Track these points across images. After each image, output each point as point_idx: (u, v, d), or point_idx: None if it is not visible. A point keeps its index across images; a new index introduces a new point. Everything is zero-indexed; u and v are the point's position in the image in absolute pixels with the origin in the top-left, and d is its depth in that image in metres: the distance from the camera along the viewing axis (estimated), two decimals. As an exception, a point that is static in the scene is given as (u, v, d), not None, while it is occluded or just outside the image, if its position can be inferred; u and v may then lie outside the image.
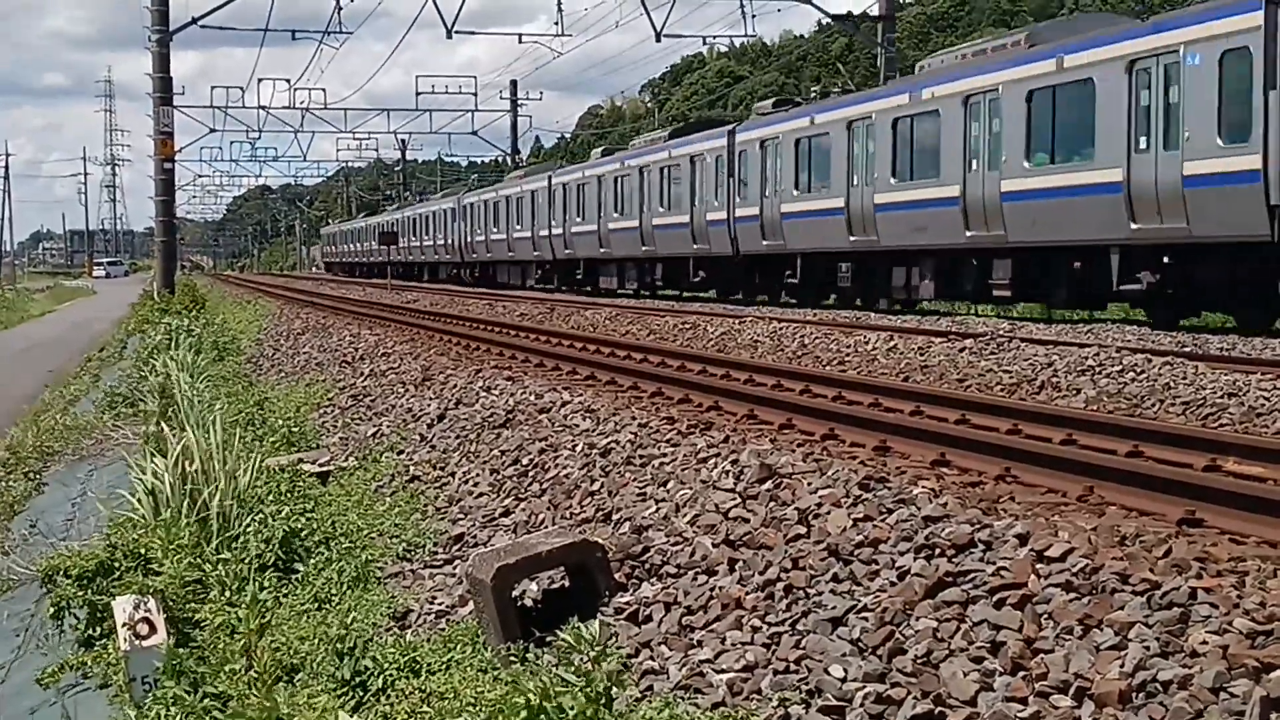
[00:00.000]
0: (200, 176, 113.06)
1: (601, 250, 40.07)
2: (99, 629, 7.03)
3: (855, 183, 26.01)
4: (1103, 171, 19.19)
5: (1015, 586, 4.74)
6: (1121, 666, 4.11)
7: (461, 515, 8.17)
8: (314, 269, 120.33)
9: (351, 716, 5.00)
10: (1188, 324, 20.23)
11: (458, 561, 7.22)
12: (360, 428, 12.09)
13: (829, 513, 5.85)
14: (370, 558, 7.56)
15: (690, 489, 6.83)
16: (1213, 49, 17.26)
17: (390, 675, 5.50)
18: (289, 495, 8.71)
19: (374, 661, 5.59)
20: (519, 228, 48.09)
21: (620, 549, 6.27)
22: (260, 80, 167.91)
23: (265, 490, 8.59)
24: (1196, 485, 6.40)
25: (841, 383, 11.88)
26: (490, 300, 35.37)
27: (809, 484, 6.29)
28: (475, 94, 63.40)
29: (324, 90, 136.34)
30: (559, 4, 44.86)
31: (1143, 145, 18.50)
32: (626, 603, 5.78)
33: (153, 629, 6.17)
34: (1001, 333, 16.05)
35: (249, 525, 7.88)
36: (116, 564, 7.40)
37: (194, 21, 37.33)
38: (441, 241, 60.80)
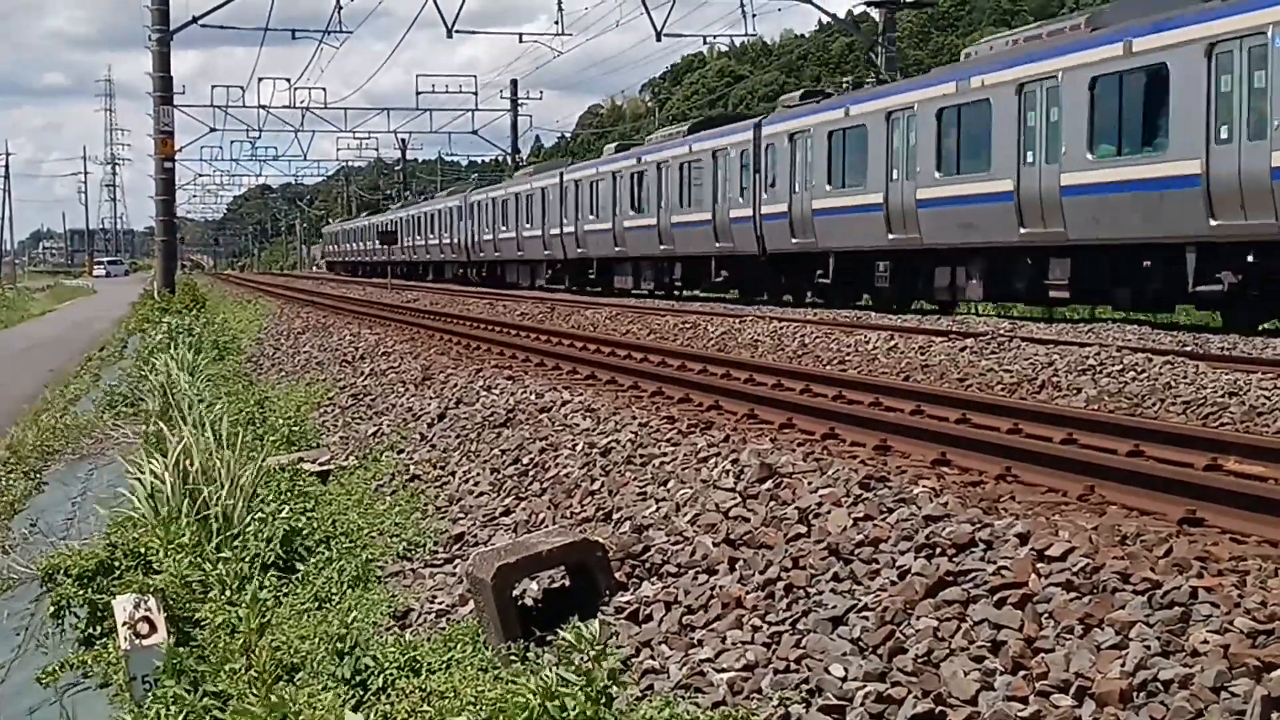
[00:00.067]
0: (200, 176, 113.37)
1: (616, 249, 38.78)
2: (99, 628, 7.03)
3: (895, 177, 24.51)
4: (1178, 164, 17.74)
5: (1016, 586, 4.74)
6: (1122, 666, 4.11)
7: (462, 514, 8.17)
8: (314, 268, 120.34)
9: (357, 715, 5.00)
10: (1188, 322, 20.24)
11: (458, 561, 7.22)
12: (360, 427, 12.09)
13: (829, 512, 5.85)
14: (370, 557, 7.56)
15: (690, 488, 6.83)
16: None
17: (390, 674, 5.50)
18: (289, 494, 8.71)
19: (374, 660, 5.58)
20: (529, 226, 46.91)
21: (620, 548, 6.27)
22: (260, 79, 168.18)
23: (265, 489, 8.59)
24: (1197, 485, 6.40)
25: (842, 382, 11.87)
26: (491, 300, 35.36)
27: (809, 483, 6.29)
28: (475, 93, 63.59)
29: (324, 90, 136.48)
30: (559, 3, 45.01)
31: (1224, 135, 17.15)
32: (627, 602, 5.78)
33: (153, 628, 6.17)
34: (1002, 332, 16.04)
35: (249, 524, 7.88)
36: (116, 563, 7.40)
37: (194, 21, 37.36)
38: (448, 240, 59.64)
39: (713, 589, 5.59)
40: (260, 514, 8.00)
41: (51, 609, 7.26)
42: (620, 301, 32.13)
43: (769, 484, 6.47)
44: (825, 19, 59.71)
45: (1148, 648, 4.15)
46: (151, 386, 13.76)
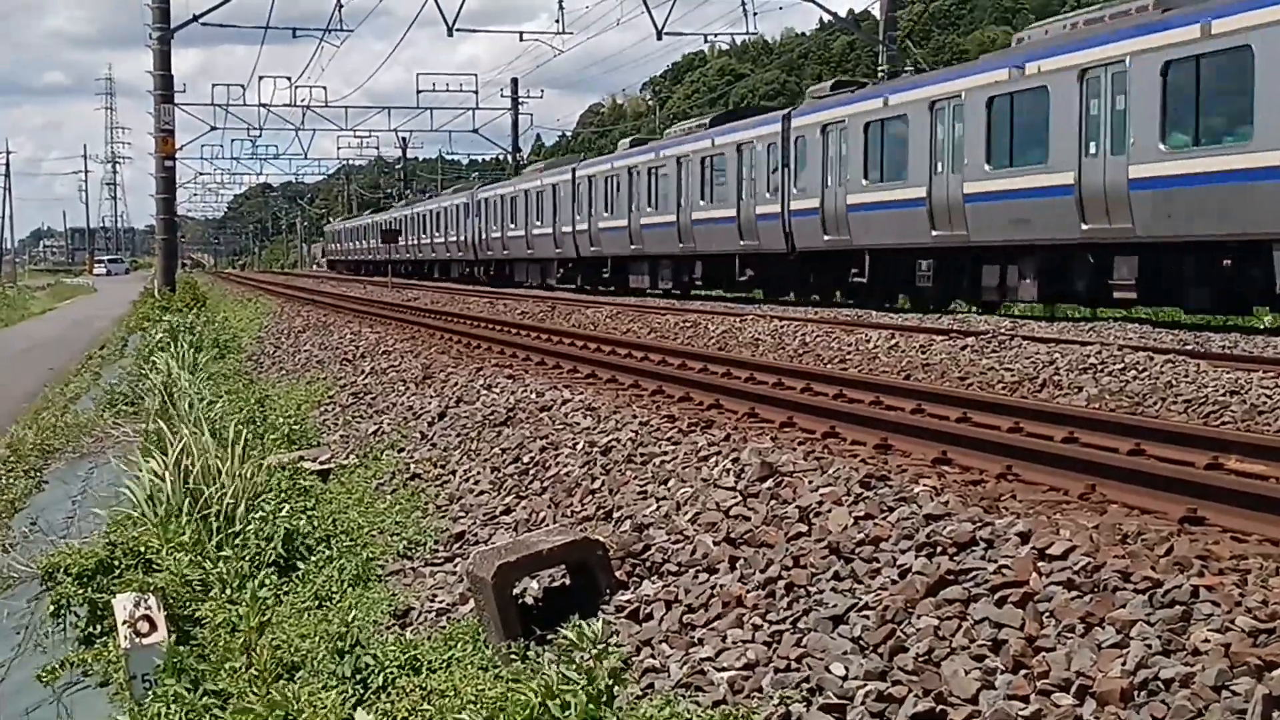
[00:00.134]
0: (201, 174, 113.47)
1: (633, 247, 37.20)
2: (99, 627, 7.04)
3: (939, 170, 23.04)
4: (1266, 154, 16.48)
5: (1017, 585, 4.73)
6: (1123, 665, 4.10)
7: (462, 513, 8.16)
8: (314, 267, 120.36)
9: (369, 715, 5.00)
10: (1189, 321, 20.20)
11: (458, 559, 7.21)
12: (361, 425, 12.08)
13: (830, 511, 5.85)
14: (371, 556, 7.56)
15: (691, 487, 6.83)
16: None
17: (391, 673, 5.50)
18: (290, 493, 8.71)
19: (375, 659, 5.58)
20: (539, 224, 45.39)
21: (621, 547, 6.26)
22: (261, 78, 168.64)
23: (266, 488, 8.59)
24: (1198, 483, 6.39)
25: (842, 381, 11.87)
26: (491, 298, 35.35)
27: (810, 482, 6.29)
28: (476, 92, 63.52)
29: (325, 88, 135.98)
30: (560, 2, 44.93)
31: None
32: (627, 601, 5.78)
33: (153, 626, 6.18)
34: (1003, 331, 16.04)
35: (249, 523, 7.89)
36: (116, 562, 7.41)
37: (195, 19, 37.36)
38: (454, 239, 58.23)
39: (713, 588, 5.59)
40: (260, 513, 8.00)
41: (51, 608, 7.27)
42: (621, 301, 32.09)
43: (769, 483, 6.47)
44: (826, 17, 59.74)
45: (1149, 646, 4.15)
46: (152, 385, 13.76)
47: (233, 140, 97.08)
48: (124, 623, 6.23)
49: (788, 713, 4.47)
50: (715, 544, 5.98)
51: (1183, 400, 10.21)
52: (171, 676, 5.76)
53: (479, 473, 8.93)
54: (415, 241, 66.12)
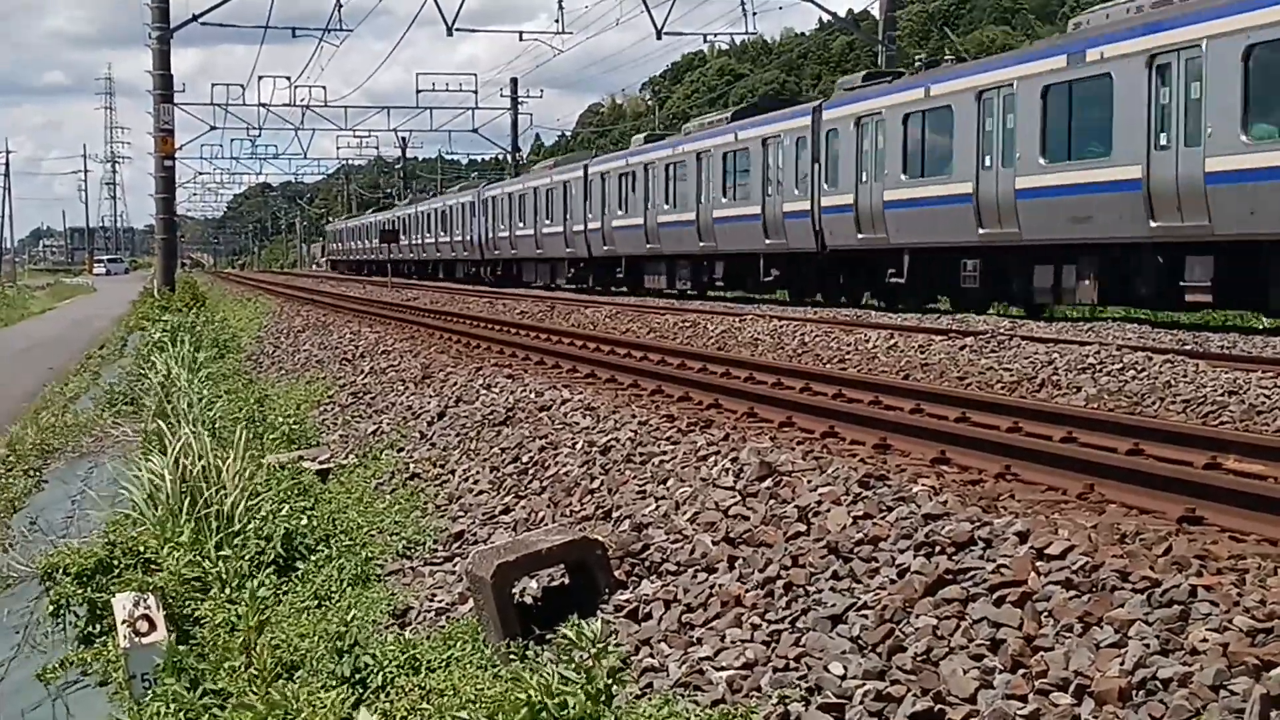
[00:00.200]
0: (201, 174, 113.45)
1: (648, 246, 35.75)
2: (98, 626, 7.04)
3: (988, 165, 21.57)
4: None
5: (1015, 584, 4.74)
6: (1122, 664, 4.11)
7: (461, 513, 8.17)
8: (314, 266, 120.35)
9: (372, 714, 5.00)
10: (1188, 321, 20.19)
11: (458, 559, 7.22)
12: (360, 425, 12.09)
13: (829, 510, 5.85)
14: (370, 555, 7.57)
15: (690, 487, 6.83)
16: None
17: (390, 672, 5.51)
18: (289, 493, 8.72)
19: (374, 659, 5.59)
20: (549, 222, 44.03)
21: (620, 546, 6.27)
22: (261, 78, 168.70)
23: (265, 488, 8.60)
24: (1197, 483, 6.40)
25: (841, 381, 11.87)
26: (491, 298, 35.34)
27: (809, 482, 6.29)
28: (476, 92, 63.59)
29: (324, 88, 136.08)
30: (559, 2, 44.92)
31: None
32: (626, 600, 5.78)
33: (152, 626, 6.18)
34: (1002, 331, 16.04)
35: (249, 522, 7.89)
36: (116, 561, 7.41)
37: (194, 19, 37.38)
38: (459, 238, 56.73)
39: (712, 587, 5.59)
40: (260, 512, 8.00)
41: (51, 607, 7.27)
42: (620, 300, 32.06)
43: (768, 482, 6.47)
44: (826, 17, 59.78)
45: (1147, 646, 4.15)
46: (151, 385, 13.76)
47: (232, 140, 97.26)
48: (123, 622, 6.24)
49: (786, 712, 4.48)
50: (714, 543, 5.98)
51: (1181, 400, 10.22)
52: (171, 676, 5.77)
53: (478, 472, 8.94)
54: (419, 241, 65.11)
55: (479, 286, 47.24)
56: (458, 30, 50.68)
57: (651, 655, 5.22)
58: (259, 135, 69.85)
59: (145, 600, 6.39)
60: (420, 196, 77.92)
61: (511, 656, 5.44)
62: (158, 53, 34.70)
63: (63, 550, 7.70)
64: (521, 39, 52.88)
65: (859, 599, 5.03)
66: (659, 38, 39.68)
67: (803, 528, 5.80)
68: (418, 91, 63.25)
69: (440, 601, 6.62)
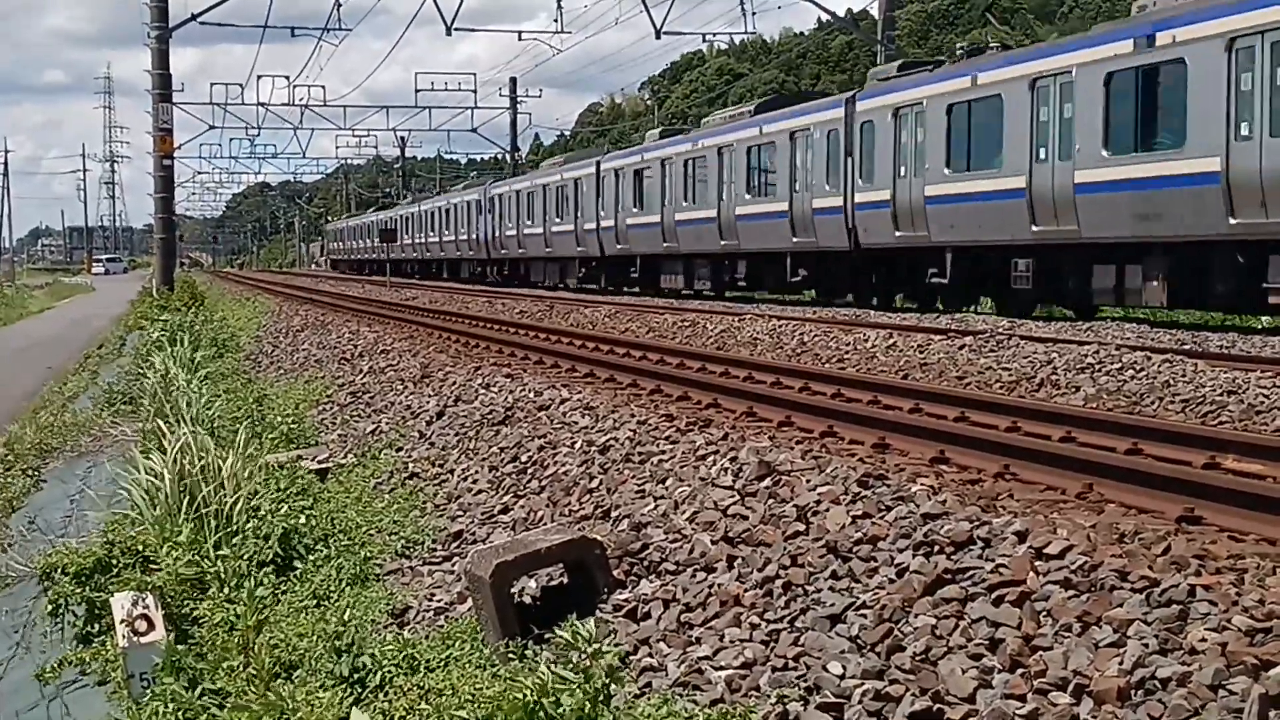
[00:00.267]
0: (199, 173, 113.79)
1: (665, 245, 34.38)
2: (97, 626, 7.04)
3: (1043, 157, 20.25)
4: None
5: (1014, 584, 4.74)
6: (1120, 664, 4.11)
7: (460, 512, 8.17)
8: (313, 266, 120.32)
9: (363, 714, 5.00)
10: (1187, 321, 20.18)
11: (456, 558, 7.22)
12: (359, 425, 12.09)
13: (828, 510, 5.85)
14: (369, 555, 7.56)
15: (689, 486, 6.83)
16: None
17: (389, 672, 5.51)
18: (288, 492, 8.72)
19: (372, 658, 5.59)
20: (559, 220, 42.74)
21: (619, 546, 6.27)
22: (259, 77, 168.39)
23: (264, 487, 8.59)
24: (1196, 483, 6.40)
25: (840, 380, 11.87)
26: (490, 298, 35.33)
27: (808, 481, 6.29)
28: (475, 91, 63.58)
29: (323, 87, 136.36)
30: (558, 1, 44.88)
31: None
32: (625, 600, 5.78)
33: (151, 625, 6.18)
34: (1001, 330, 16.05)
35: (247, 522, 7.88)
36: (114, 561, 7.41)
37: (193, 18, 37.39)
38: (465, 237, 55.32)
39: (711, 587, 5.59)
40: (259, 512, 8.00)
41: (49, 607, 7.27)
42: (620, 300, 32.02)
43: (767, 482, 6.47)
44: (824, 17, 59.78)
45: (1146, 646, 4.15)
46: (150, 384, 13.76)
47: (231, 139, 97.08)
48: (122, 622, 6.24)
49: (785, 712, 4.47)
50: (713, 543, 5.98)
51: (1180, 400, 10.22)
52: (169, 675, 5.77)
53: (477, 472, 8.94)
54: (422, 240, 64.12)
55: (482, 286, 46.70)
56: (457, 30, 50.71)
57: (650, 655, 5.22)
58: (258, 135, 69.94)
59: (144, 600, 6.39)
60: (423, 195, 77.12)
61: (510, 656, 5.44)
62: (156, 52, 34.70)
63: (61, 550, 7.70)
64: (520, 38, 52.88)
65: (858, 598, 5.03)
66: (658, 37, 39.66)
67: (801, 527, 5.80)
68: (417, 91, 63.29)
69: (439, 601, 6.62)
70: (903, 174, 24.05)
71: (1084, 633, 4.35)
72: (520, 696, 4.38)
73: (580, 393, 10.64)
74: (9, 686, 7.18)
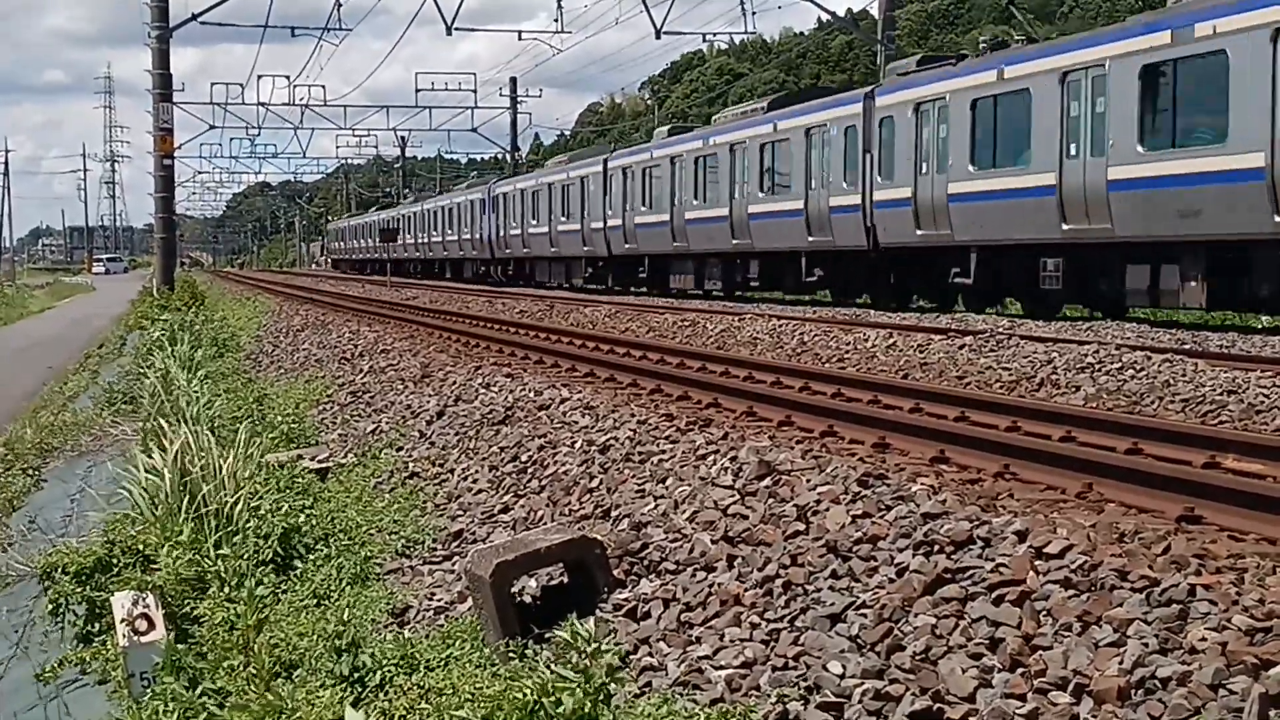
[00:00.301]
0: (200, 173, 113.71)
1: (675, 244, 33.72)
2: (97, 625, 7.04)
3: (1074, 153, 19.51)
4: None
5: (1014, 583, 4.74)
6: (1120, 663, 4.11)
7: (460, 512, 8.17)
8: (314, 265, 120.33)
9: (357, 711, 5.00)
10: (1186, 320, 20.17)
11: (456, 558, 7.22)
12: (359, 424, 12.09)
13: (828, 509, 5.85)
14: (369, 554, 7.56)
15: (689, 486, 6.83)
16: None
17: (389, 671, 5.51)
18: (288, 492, 8.72)
19: (372, 658, 5.59)
20: (564, 219, 42.06)
21: (619, 545, 6.27)
22: (260, 77, 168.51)
23: (264, 486, 8.59)
24: (1196, 482, 6.40)
25: (840, 380, 11.87)
26: (490, 298, 35.32)
27: (808, 481, 6.29)
28: (475, 91, 63.54)
29: (323, 87, 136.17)
30: (559, 1, 44.87)
31: None
32: (625, 599, 5.78)
33: (151, 625, 6.18)
34: (1001, 330, 16.05)
35: (248, 521, 7.89)
36: (115, 560, 7.42)
37: (194, 18, 37.38)
38: (468, 236, 54.61)
39: (711, 586, 5.59)
40: (259, 511, 8.00)
41: (50, 606, 7.28)
42: (619, 300, 32.01)
43: (767, 481, 6.47)
44: (825, 17, 59.80)
45: (1146, 645, 4.15)
46: (150, 384, 13.76)
47: (231, 139, 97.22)
48: (122, 621, 6.24)
49: (785, 711, 4.48)
50: (713, 542, 5.98)
51: (1180, 399, 10.22)
52: (170, 675, 5.77)
53: (477, 471, 8.94)
54: (425, 240, 63.47)
55: (483, 286, 46.41)
56: (457, 29, 50.66)
57: (650, 654, 5.22)
58: (258, 134, 69.87)
59: (144, 599, 6.39)
60: (425, 193, 76.56)
61: (510, 655, 5.44)
62: (157, 52, 34.70)
63: (61, 549, 7.71)
64: (521, 38, 52.87)
65: (858, 598, 5.03)
66: (658, 37, 39.61)
67: (802, 527, 5.80)
68: (417, 91, 63.22)
69: (439, 600, 6.62)
70: (924, 171, 23.37)
71: (1084, 632, 4.35)
72: (521, 696, 4.39)
73: (580, 392, 10.65)
74: (9, 686, 7.18)
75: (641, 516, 6.62)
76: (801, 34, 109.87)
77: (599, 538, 6.20)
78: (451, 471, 9.22)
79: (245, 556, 7.46)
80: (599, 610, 5.71)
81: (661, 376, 12.50)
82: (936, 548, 5.19)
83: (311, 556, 7.63)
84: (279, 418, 12.75)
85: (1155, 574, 4.57)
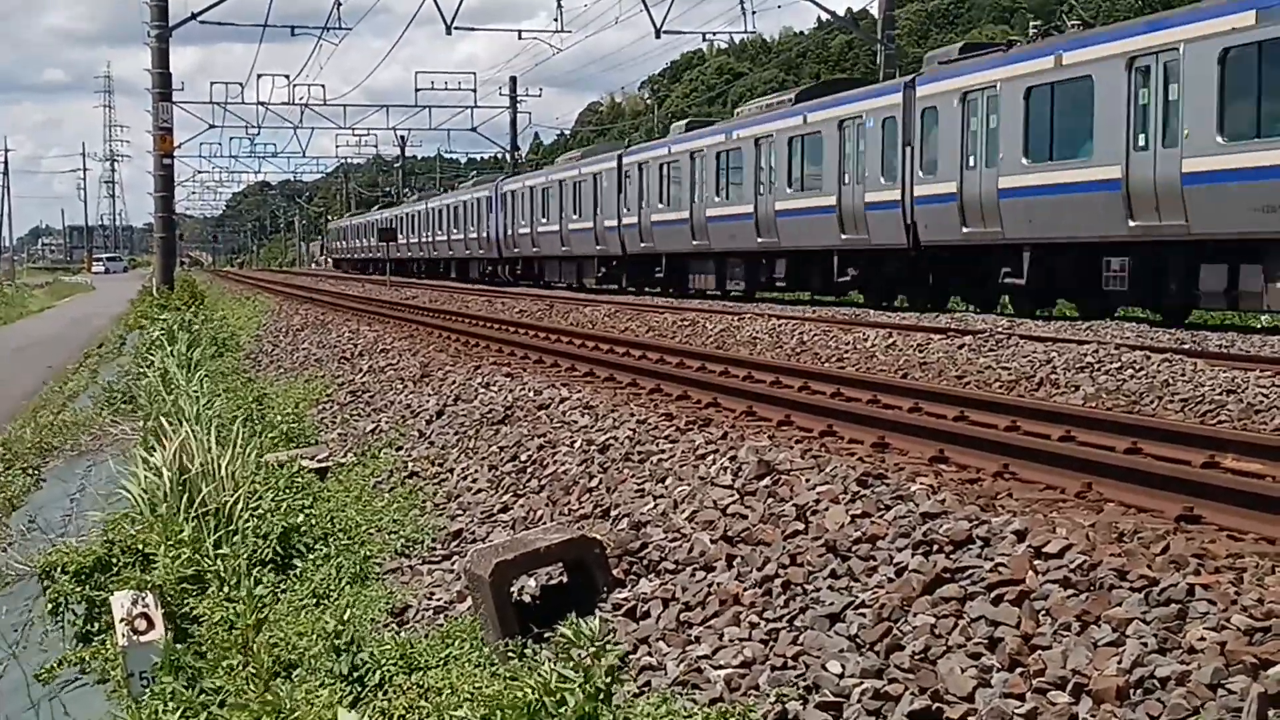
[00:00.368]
0: (199, 172, 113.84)
1: (695, 243, 32.44)
2: (97, 624, 7.04)
3: (1142, 145, 18.22)
4: None
5: (1013, 583, 4.74)
6: (1119, 663, 4.11)
7: (460, 511, 8.17)
8: (313, 265, 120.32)
9: (350, 711, 5.00)
10: (1186, 320, 20.15)
11: (456, 557, 7.22)
12: (359, 424, 12.08)
13: (827, 509, 5.85)
14: (368, 554, 7.56)
15: (688, 485, 6.83)
16: None
17: (388, 670, 5.51)
18: (287, 491, 8.71)
19: (372, 657, 5.59)
20: (576, 217, 40.79)
21: (618, 545, 6.27)
22: (259, 76, 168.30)
23: (263, 486, 8.59)
24: (1195, 482, 6.41)
25: (840, 379, 11.88)
26: (490, 297, 35.31)
27: (807, 480, 6.29)
28: (475, 90, 63.65)
29: (323, 86, 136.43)
30: (558, 0, 44.89)
31: None
32: (624, 599, 5.78)
33: (150, 624, 6.18)
34: (1000, 329, 16.05)
35: (247, 521, 7.89)
36: (114, 559, 7.42)
37: (193, 17, 37.39)
38: (474, 235, 53.24)
39: (710, 586, 5.59)
40: (258, 510, 8.00)
41: (49, 606, 7.28)
42: (619, 299, 32.00)
43: (767, 481, 6.48)
44: (825, 16, 59.80)
45: (1145, 645, 4.16)
46: (149, 383, 13.76)
47: (231, 138, 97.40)
48: (121, 620, 6.24)
49: (784, 711, 4.48)
50: (712, 542, 5.98)
51: (1179, 399, 10.22)
52: (169, 674, 5.77)
53: (477, 471, 8.94)
54: (429, 239, 62.23)
55: (483, 286, 46.09)
56: (457, 29, 50.65)
57: (650, 654, 5.22)
58: (258, 134, 69.91)
59: (143, 598, 6.39)
60: (429, 192, 75.88)
61: (510, 655, 5.44)
62: (156, 51, 34.70)
63: (61, 548, 7.71)
64: (520, 37, 52.90)
65: (857, 598, 5.03)
66: (658, 36, 39.62)
67: (801, 526, 5.80)
68: (416, 90, 63.31)
69: (438, 600, 6.62)
70: (971, 164, 22.02)
71: (1083, 632, 4.36)
72: (522, 695, 4.39)
73: (580, 392, 10.65)
74: (8, 685, 7.17)
75: (641, 516, 6.62)
76: (801, 33, 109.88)
77: (598, 537, 6.20)
78: (451, 471, 9.22)
79: (244, 556, 7.46)
80: (598, 610, 5.71)
81: (661, 376, 12.50)
82: (935, 547, 5.19)
83: (311, 556, 7.63)
84: (278, 417, 12.75)
85: (1154, 573, 4.57)
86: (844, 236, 26.00)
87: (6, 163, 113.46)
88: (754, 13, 65.11)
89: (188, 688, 5.62)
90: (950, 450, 7.79)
